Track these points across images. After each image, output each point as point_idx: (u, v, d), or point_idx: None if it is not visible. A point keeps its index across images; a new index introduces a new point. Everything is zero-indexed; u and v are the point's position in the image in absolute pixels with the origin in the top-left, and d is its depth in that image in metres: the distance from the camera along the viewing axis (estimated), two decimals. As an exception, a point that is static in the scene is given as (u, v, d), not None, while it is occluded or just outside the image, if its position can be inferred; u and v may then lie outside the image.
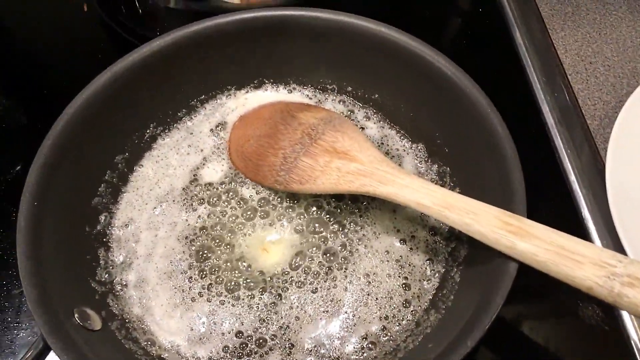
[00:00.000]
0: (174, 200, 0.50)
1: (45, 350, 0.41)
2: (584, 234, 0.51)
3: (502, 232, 0.38)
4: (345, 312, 0.45)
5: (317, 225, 0.48)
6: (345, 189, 0.45)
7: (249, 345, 0.44)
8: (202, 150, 0.52)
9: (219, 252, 0.47)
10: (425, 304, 0.45)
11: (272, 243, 0.48)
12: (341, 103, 0.55)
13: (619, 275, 0.34)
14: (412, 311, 0.45)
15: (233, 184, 0.51)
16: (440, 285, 0.46)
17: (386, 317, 0.45)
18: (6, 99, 0.63)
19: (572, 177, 0.54)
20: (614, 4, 0.68)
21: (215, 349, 0.44)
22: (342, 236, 0.48)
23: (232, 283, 0.46)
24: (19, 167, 0.57)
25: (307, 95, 0.56)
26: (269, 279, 0.46)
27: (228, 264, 0.47)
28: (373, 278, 0.46)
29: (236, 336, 0.44)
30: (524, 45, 0.63)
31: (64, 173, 0.44)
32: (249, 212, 0.49)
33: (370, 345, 0.44)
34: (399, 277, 0.46)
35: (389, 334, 0.44)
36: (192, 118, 0.54)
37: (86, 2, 0.67)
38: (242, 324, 0.44)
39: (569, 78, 0.61)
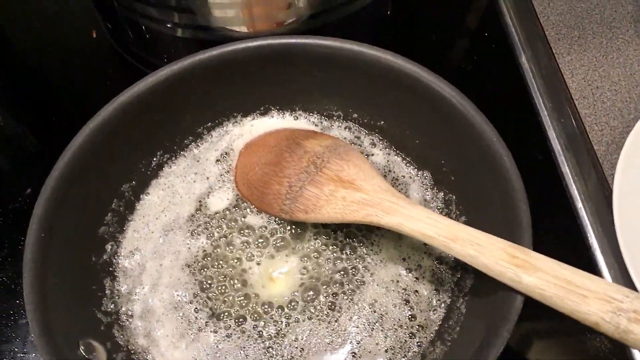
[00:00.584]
0: (179, 229, 0.50)
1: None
2: (590, 262, 0.51)
3: (508, 265, 0.38)
4: (351, 343, 0.45)
5: (322, 254, 0.48)
6: (350, 219, 0.45)
7: (254, 376, 0.44)
8: (207, 178, 0.53)
9: (224, 282, 0.47)
10: (431, 335, 0.45)
11: (278, 273, 0.48)
12: (347, 130, 0.55)
13: (625, 310, 0.34)
14: (417, 342, 0.45)
15: (239, 212, 0.51)
16: (446, 316, 0.45)
17: (392, 349, 0.45)
18: (17, 124, 0.64)
19: (579, 204, 0.54)
20: (621, 28, 0.68)
21: (220, 380, 0.44)
22: (348, 265, 0.48)
23: (238, 314, 0.46)
24: (29, 191, 0.57)
25: (313, 122, 0.56)
26: (275, 309, 0.46)
27: (233, 294, 0.47)
28: (378, 308, 0.46)
29: (241, 367, 0.44)
30: (530, 70, 0.63)
31: (71, 204, 0.45)
32: (254, 242, 0.49)
33: (375, 376, 0.44)
34: (405, 307, 0.46)
35: (394, 365, 0.44)
36: (198, 145, 0.54)
37: (95, 28, 0.68)
38: (247, 356, 0.44)
39: (575, 103, 0.61)
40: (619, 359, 0.46)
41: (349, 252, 0.49)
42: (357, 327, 0.45)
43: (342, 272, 0.48)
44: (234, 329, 0.45)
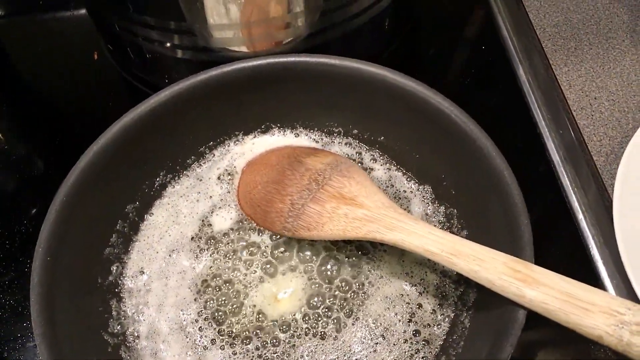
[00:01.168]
0: (184, 249, 0.50)
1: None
2: (592, 273, 0.51)
3: (510, 280, 0.38)
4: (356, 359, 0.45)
5: (327, 270, 0.49)
6: (352, 235, 0.45)
7: (261, 394, 0.44)
8: (211, 197, 0.53)
9: (229, 301, 0.48)
10: (436, 350, 0.45)
11: (283, 290, 0.48)
12: (348, 145, 0.56)
13: (628, 323, 0.34)
14: (422, 357, 0.45)
15: (242, 230, 0.51)
16: (451, 330, 0.46)
17: (397, 364, 0.45)
18: (22, 146, 0.65)
19: (580, 215, 0.54)
20: (617, 38, 0.69)
21: (227, 399, 0.44)
22: (352, 281, 0.48)
23: (243, 333, 0.46)
24: (34, 212, 0.58)
25: (314, 139, 0.56)
26: (280, 327, 0.46)
27: (239, 312, 0.47)
28: (383, 323, 0.46)
29: (248, 386, 0.44)
30: (528, 82, 0.63)
31: (76, 226, 0.45)
32: (258, 260, 0.50)
33: (381, 392, 0.44)
34: (409, 322, 0.47)
35: (400, 381, 0.44)
36: (201, 165, 0.55)
37: (97, 50, 0.68)
38: (253, 375, 0.45)
39: (573, 114, 0.61)
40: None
41: (352, 268, 0.49)
42: (362, 343, 0.46)
43: (346, 288, 0.48)
44: (240, 348, 0.46)
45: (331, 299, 0.48)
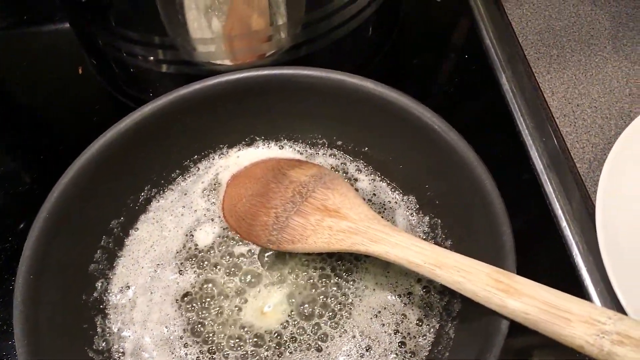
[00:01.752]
0: (169, 264, 0.50)
1: None
2: (576, 281, 0.51)
3: (494, 291, 0.39)
4: (342, 372, 0.45)
5: (311, 283, 0.49)
6: (337, 248, 0.45)
7: (247, 409, 0.44)
8: (195, 211, 0.53)
9: (214, 315, 0.48)
10: (421, 361, 0.45)
11: (268, 304, 0.48)
12: (332, 157, 0.56)
13: (608, 333, 0.35)
14: (408, 369, 0.45)
15: (227, 244, 0.51)
16: (436, 341, 0.46)
17: (383, 376, 0.45)
18: (9, 162, 0.64)
19: (564, 223, 0.54)
20: (599, 45, 0.69)
21: (213, 414, 0.44)
22: (337, 293, 0.48)
23: (228, 347, 0.46)
24: (20, 228, 0.57)
25: (298, 151, 0.56)
26: (266, 341, 0.46)
27: (224, 327, 0.47)
28: (368, 335, 0.46)
29: (234, 401, 0.44)
30: (511, 90, 0.64)
31: (59, 243, 0.45)
32: (243, 274, 0.49)
33: (368, 404, 0.44)
34: (395, 333, 0.47)
35: (386, 392, 0.44)
36: (185, 179, 0.55)
37: (81, 65, 0.68)
38: (239, 389, 0.45)
39: (556, 121, 0.62)
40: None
41: (337, 280, 0.49)
42: (348, 356, 0.46)
43: (331, 300, 0.48)
44: (226, 363, 0.46)
45: (316, 312, 0.48)
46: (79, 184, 0.47)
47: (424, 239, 0.49)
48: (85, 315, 0.47)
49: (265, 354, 0.46)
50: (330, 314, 0.47)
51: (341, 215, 0.46)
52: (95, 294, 0.48)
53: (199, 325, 0.47)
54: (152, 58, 0.57)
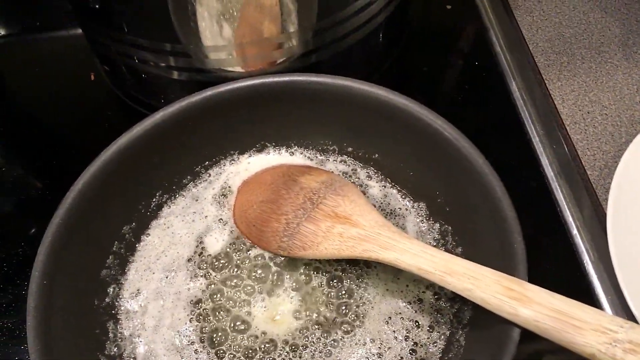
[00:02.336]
0: (180, 269, 0.50)
1: None
2: (587, 289, 0.51)
3: (504, 298, 0.38)
4: (353, 379, 0.45)
5: (322, 290, 0.49)
6: (347, 255, 0.45)
7: (258, 415, 0.44)
8: (206, 217, 0.53)
9: (225, 322, 0.48)
10: (432, 368, 0.45)
11: (279, 311, 0.48)
12: (342, 163, 0.56)
13: (620, 341, 0.35)
14: (419, 376, 0.45)
15: (238, 250, 0.51)
16: (446, 348, 0.46)
17: (393, 383, 0.45)
18: (19, 168, 0.65)
19: (574, 231, 0.54)
20: (609, 52, 0.69)
21: (224, 420, 0.44)
22: (348, 300, 0.48)
23: (239, 354, 0.46)
24: (32, 232, 0.58)
25: (309, 157, 0.57)
26: (277, 349, 0.46)
27: (235, 334, 0.47)
28: (379, 342, 0.47)
29: (245, 406, 0.44)
30: (521, 97, 0.64)
31: (72, 249, 0.45)
32: (254, 280, 0.50)
33: (378, 411, 0.44)
34: (406, 340, 0.47)
35: (396, 399, 0.44)
36: (196, 184, 0.55)
37: (93, 71, 0.69)
38: (250, 395, 0.45)
39: (567, 129, 0.62)
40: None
41: (348, 287, 0.49)
42: (359, 362, 0.46)
43: (342, 307, 0.48)
44: (237, 368, 0.46)
45: (327, 318, 0.48)
46: (91, 190, 0.47)
47: (435, 246, 0.49)
48: (97, 320, 0.47)
49: (276, 360, 0.46)
50: (341, 320, 0.48)
51: (352, 222, 0.46)
52: (107, 299, 0.48)
53: (210, 332, 0.47)
54: (163, 65, 0.57)
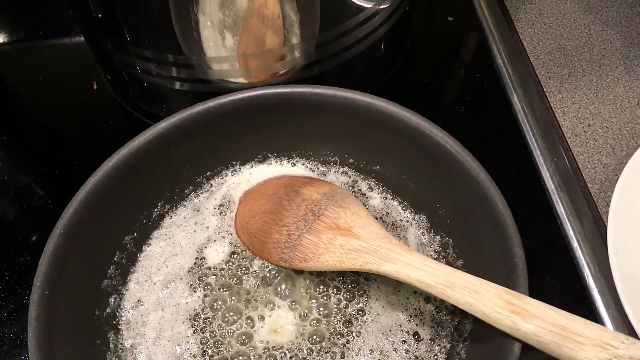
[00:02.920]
0: (181, 280, 0.51)
1: None
2: (588, 303, 0.51)
3: (505, 312, 0.39)
4: (353, 391, 0.45)
5: (323, 301, 0.49)
6: (348, 267, 0.46)
7: None
8: (207, 228, 0.53)
9: (226, 333, 0.48)
10: (432, 381, 0.45)
11: (280, 323, 0.48)
12: (344, 174, 0.56)
13: (621, 357, 0.35)
14: (419, 389, 0.45)
15: (239, 261, 0.51)
16: (447, 362, 0.46)
17: (394, 396, 0.45)
18: (22, 176, 0.65)
19: (575, 244, 0.54)
20: (610, 65, 0.69)
21: None
22: (348, 311, 0.48)
23: (240, 365, 0.46)
24: (33, 240, 0.58)
25: (310, 168, 0.57)
26: (278, 358, 0.46)
27: (235, 345, 0.47)
28: (380, 354, 0.47)
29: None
30: (522, 110, 0.64)
31: (74, 259, 0.45)
32: (255, 291, 0.50)
33: None
34: (406, 352, 0.47)
35: (397, 412, 0.44)
36: (198, 195, 0.55)
37: (96, 80, 0.69)
38: (250, 407, 0.45)
39: (568, 141, 0.62)
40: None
41: (349, 299, 0.49)
42: (359, 375, 0.46)
43: (343, 319, 0.48)
44: (237, 380, 0.46)
45: (328, 329, 0.48)
46: (93, 200, 0.47)
47: (435, 259, 0.49)
48: (98, 330, 0.47)
49: (276, 372, 0.46)
50: (341, 332, 0.48)
51: (353, 234, 0.47)
52: (108, 310, 0.48)
53: (210, 343, 0.47)
54: (166, 75, 0.58)
